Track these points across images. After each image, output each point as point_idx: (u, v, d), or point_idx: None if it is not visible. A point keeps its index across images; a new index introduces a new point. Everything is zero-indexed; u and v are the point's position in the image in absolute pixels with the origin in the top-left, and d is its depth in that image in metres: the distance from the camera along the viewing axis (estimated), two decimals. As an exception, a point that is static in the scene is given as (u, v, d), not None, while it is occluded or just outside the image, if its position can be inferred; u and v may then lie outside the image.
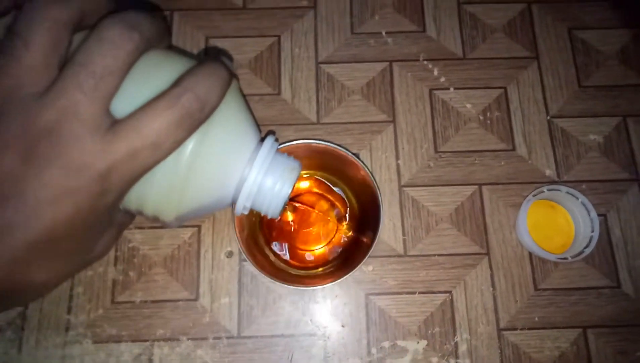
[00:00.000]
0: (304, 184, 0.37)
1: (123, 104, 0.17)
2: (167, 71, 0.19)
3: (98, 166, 0.16)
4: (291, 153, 0.33)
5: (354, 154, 0.32)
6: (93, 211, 0.17)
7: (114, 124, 0.17)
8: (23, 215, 0.16)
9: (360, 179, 0.34)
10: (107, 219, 0.19)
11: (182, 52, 0.21)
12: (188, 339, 0.35)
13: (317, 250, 0.37)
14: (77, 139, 0.16)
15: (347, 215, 0.37)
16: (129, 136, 0.16)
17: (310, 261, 0.37)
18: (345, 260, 0.35)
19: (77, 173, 0.16)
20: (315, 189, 0.37)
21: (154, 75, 0.19)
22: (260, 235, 0.37)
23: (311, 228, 0.37)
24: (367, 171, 0.32)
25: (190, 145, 0.19)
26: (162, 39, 0.19)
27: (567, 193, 0.36)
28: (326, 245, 0.37)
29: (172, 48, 0.22)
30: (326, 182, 0.37)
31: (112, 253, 0.37)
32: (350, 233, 0.36)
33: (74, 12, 0.17)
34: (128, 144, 0.16)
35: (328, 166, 0.36)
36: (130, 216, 0.23)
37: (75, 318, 0.35)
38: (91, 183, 0.16)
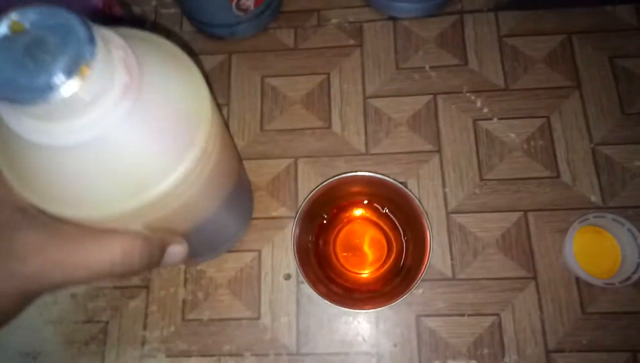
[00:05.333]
0: (358, 212, 0.42)
1: None
2: None
3: None
4: (345, 183, 0.38)
5: (401, 183, 0.36)
6: None
7: None
8: None
9: (410, 207, 0.38)
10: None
11: None
12: (251, 355, 0.40)
13: (367, 273, 0.41)
14: None
15: (405, 240, 0.41)
16: None
17: (360, 284, 0.41)
18: (397, 284, 0.39)
19: None
20: (369, 216, 0.42)
21: None
22: (315, 260, 0.41)
23: (361, 252, 0.41)
24: (416, 199, 0.36)
25: None
26: None
27: (613, 219, 0.39)
28: (377, 269, 0.41)
29: None
30: (380, 209, 0.42)
31: (182, 275, 0.42)
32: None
33: None
34: None
35: (379, 194, 0.40)
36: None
37: (150, 334, 0.41)
38: None
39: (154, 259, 0.24)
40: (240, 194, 0.37)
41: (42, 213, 0.20)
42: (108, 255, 0.21)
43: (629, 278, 0.37)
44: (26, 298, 0.20)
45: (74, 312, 0.42)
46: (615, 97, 0.44)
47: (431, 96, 0.46)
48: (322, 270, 0.41)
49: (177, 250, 0.26)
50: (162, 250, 0.24)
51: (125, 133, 0.19)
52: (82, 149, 0.19)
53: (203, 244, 0.37)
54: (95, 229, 0.21)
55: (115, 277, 0.21)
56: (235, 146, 0.33)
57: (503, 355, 0.38)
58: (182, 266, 0.42)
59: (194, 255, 0.39)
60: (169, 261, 0.25)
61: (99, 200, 0.21)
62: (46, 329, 0.42)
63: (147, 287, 0.42)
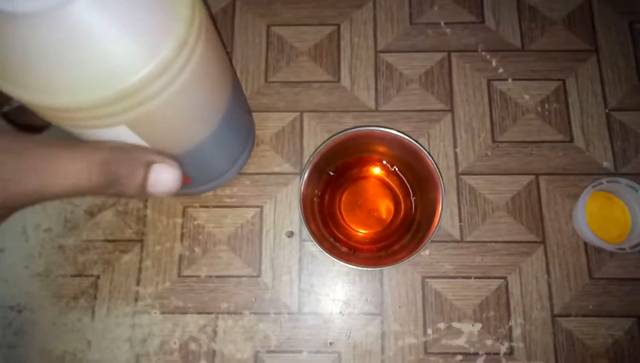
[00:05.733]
0: (367, 169, 0.40)
1: None
2: None
3: None
4: (356, 138, 0.36)
5: (414, 140, 0.35)
6: None
7: None
8: None
9: (421, 165, 0.36)
10: None
11: None
12: (251, 313, 0.38)
13: (373, 232, 0.40)
14: None
15: (413, 200, 0.39)
16: None
17: (365, 244, 0.39)
18: (404, 244, 0.37)
19: None
20: (377, 174, 0.40)
21: None
22: (320, 217, 0.40)
23: (368, 210, 0.40)
24: (430, 157, 0.35)
25: None
26: None
27: (627, 185, 0.38)
28: (384, 229, 0.40)
29: None
30: (390, 168, 0.40)
31: (178, 230, 0.40)
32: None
33: None
34: None
35: (389, 152, 0.38)
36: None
37: (144, 290, 0.39)
38: None
39: (138, 176, 0.22)
40: (237, 113, 0.34)
41: (9, 123, 0.20)
42: (86, 162, 0.19)
43: (639, 244, 0.37)
44: (2, 208, 0.18)
45: (63, 265, 0.40)
46: (632, 63, 0.43)
47: (445, 53, 0.44)
48: (326, 228, 0.39)
49: (165, 171, 0.23)
50: (147, 166, 0.22)
51: (92, 10, 0.18)
52: (49, 22, 0.18)
53: (201, 167, 0.35)
54: (71, 141, 0.20)
55: (101, 193, 0.20)
56: (228, 58, 0.31)
57: (509, 319, 0.38)
58: (179, 220, 0.40)
59: (195, 184, 0.37)
60: (158, 187, 0.22)
61: (72, 87, 0.20)
62: (32, 282, 0.39)
63: (141, 241, 0.40)
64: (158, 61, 0.21)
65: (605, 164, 0.41)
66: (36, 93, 0.20)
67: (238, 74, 0.43)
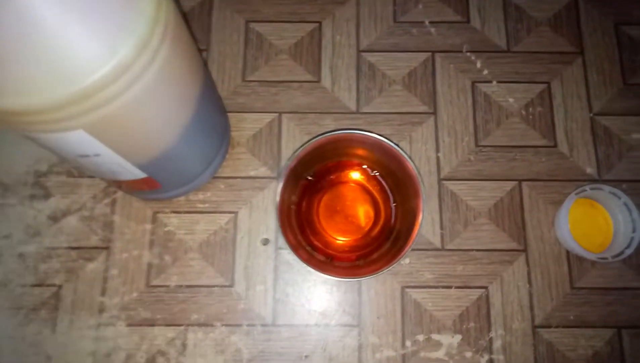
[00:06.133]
0: (346, 174, 0.38)
1: None
2: None
3: None
4: (335, 142, 0.34)
5: (396, 145, 0.33)
6: None
7: None
8: None
9: (402, 170, 0.35)
10: None
11: None
12: (222, 325, 0.36)
13: (351, 240, 0.38)
14: None
15: (394, 206, 0.38)
16: None
17: (344, 252, 0.38)
18: (384, 252, 0.36)
19: None
20: (357, 179, 0.38)
21: None
22: (297, 224, 0.38)
23: (347, 217, 0.38)
24: (411, 162, 0.33)
25: None
26: None
27: (610, 192, 0.37)
28: (363, 237, 0.38)
29: None
30: (370, 172, 0.38)
31: (147, 237, 0.38)
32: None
33: None
34: None
35: (370, 156, 0.37)
36: None
37: (109, 300, 0.37)
38: None
39: None
40: (209, 115, 0.32)
41: None
42: None
43: (621, 252, 0.36)
44: None
45: (22, 274, 0.37)
46: (617, 66, 0.42)
47: (429, 53, 0.42)
48: (304, 235, 0.37)
49: None
50: None
51: (43, 1, 0.17)
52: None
53: (170, 171, 0.33)
54: None
55: None
56: (200, 58, 0.29)
57: (489, 330, 0.37)
58: (148, 227, 0.38)
59: (165, 188, 0.35)
60: None
61: (21, 88, 0.19)
62: (-12, 292, 0.37)
63: (107, 249, 0.38)
64: (117, 61, 0.20)
65: (588, 170, 0.40)
66: None
67: (214, 72, 0.41)
